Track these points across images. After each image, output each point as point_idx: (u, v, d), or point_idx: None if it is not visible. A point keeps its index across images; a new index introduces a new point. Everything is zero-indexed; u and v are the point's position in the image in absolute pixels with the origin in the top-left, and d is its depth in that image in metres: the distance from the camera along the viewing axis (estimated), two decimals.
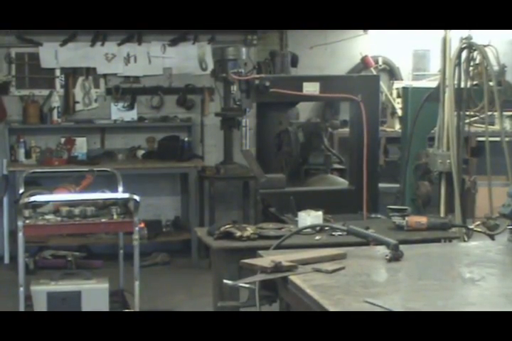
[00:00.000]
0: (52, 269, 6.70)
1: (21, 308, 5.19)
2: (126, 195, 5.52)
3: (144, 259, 6.85)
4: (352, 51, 8.42)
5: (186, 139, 7.83)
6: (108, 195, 5.70)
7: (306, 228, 4.28)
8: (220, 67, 7.44)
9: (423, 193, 5.47)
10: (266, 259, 3.24)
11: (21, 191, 5.90)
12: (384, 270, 3.24)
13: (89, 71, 7.93)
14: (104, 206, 5.56)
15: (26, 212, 5.33)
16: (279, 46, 8.15)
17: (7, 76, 7.76)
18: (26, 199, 5.34)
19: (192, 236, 7.29)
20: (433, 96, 5.41)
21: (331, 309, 2.54)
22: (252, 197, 7.60)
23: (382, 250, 3.40)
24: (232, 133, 7.39)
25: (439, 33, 5.33)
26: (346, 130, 6.94)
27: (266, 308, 3.51)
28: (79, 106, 7.95)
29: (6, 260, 7.53)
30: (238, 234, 4.29)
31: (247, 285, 3.32)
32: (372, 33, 8.36)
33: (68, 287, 5.46)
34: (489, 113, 5.28)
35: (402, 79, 8.47)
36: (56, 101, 7.72)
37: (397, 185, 6.17)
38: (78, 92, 7.93)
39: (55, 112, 7.70)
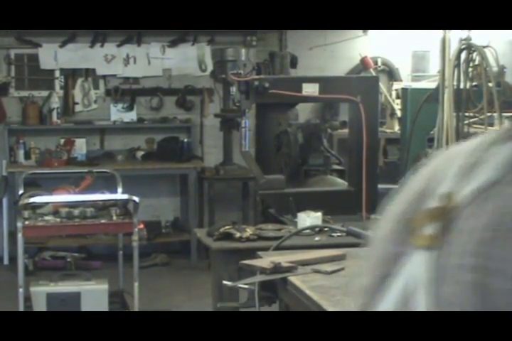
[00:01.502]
0: (51, 270, 6.71)
1: (21, 309, 5.19)
2: (126, 196, 5.53)
3: (143, 260, 6.85)
4: (351, 52, 8.42)
5: (186, 140, 7.83)
6: (107, 196, 5.70)
7: (305, 229, 4.28)
8: (219, 68, 7.45)
9: None
10: (265, 260, 3.24)
11: (21, 192, 5.90)
12: None
13: (89, 72, 7.93)
14: (103, 207, 5.57)
15: (26, 213, 5.33)
16: (278, 47, 8.16)
17: (6, 77, 7.76)
18: (26, 200, 5.34)
19: (191, 237, 7.28)
20: (432, 97, 5.41)
21: (331, 310, 2.55)
22: (252, 198, 7.60)
23: None
24: (231, 134, 7.39)
25: (439, 34, 5.33)
26: (345, 131, 6.94)
27: (265, 309, 3.51)
28: (78, 107, 7.95)
29: (6, 261, 7.53)
30: (238, 235, 4.29)
31: (246, 286, 3.32)
32: (372, 33, 8.37)
33: (68, 288, 5.46)
34: (488, 114, 5.28)
35: (401, 80, 8.47)
36: (55, 102, 7.72)
37: (397, 186, 6.17)
38: (78, 93, 7.93)
39: (54, 113, 7.70)
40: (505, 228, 0.88)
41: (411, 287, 0.96)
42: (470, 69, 5.20)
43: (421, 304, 0.97)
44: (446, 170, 0.98)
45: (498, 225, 0.89)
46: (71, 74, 7.89)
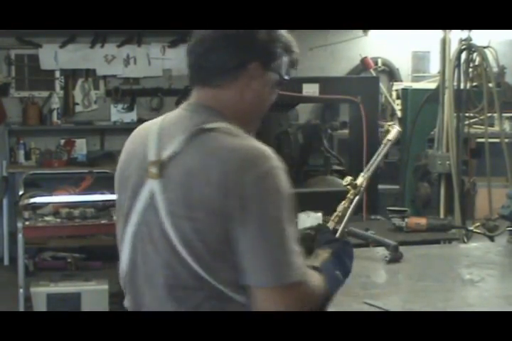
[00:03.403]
0: (51, 271, 6.70)
1: (21, 309, 5.19)
2: None
3: None
4: (351, 52, 8.42)
5: None
6: (107, 197, 5.70)
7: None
8: None
9: (422, 194, 5.46)
10: None
11: (21, 192, 5.91)
12: (383, 271, 3.24)
13: (89, 72, 7.93)
14: (103, 207, 5.57)
15: (26, 214, 5.33)
16: None
17: (7, 78, 7.76)
18: (26, 201, 5.35)
19: None
20: (432, 97, 5.41)
21: (330, 310, 2.55)
22: None
23: (381, 251, 3.40)
24: None
25: (439, 35, 5.33)
26: (346, 131, 6.94)
27: None
28: (78, 108, 7.95)
29: (6, 261, 7.53)
30: None
31: None
32: (372, 34, 8.36)
33: (68, 288, 5.46)
34: (489, 114, 5.28)
35: (401, 81, 8.46)
36: (56, 103, 7.72)
37: (397, 187, 6.17)
38: (78, 94, 7.93)
39: (54, 114, 7.70)
40: (192, 172, 1.86)
41: (153, 193, 1.91)
42: (470, 70, 5.20)
43: (159, 201, 1.89)
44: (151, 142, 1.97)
45: (187, 171, 1.86)
46: (71, 75, 7.90)
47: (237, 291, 1.86)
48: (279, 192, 1.86)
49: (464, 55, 5.18)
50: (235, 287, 1.86)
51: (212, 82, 1.97)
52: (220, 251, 1.84)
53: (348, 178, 2.31)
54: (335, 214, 2.25)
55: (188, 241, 1.84)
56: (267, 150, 1.90)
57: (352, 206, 2.23)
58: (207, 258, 1.85)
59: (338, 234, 2.20)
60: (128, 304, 2.03)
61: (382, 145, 2.34)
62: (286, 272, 1.83)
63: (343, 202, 2.27)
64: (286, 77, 2.04)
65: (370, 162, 2.33)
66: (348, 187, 2.25)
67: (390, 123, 2.46)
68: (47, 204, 5.51)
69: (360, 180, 2.32)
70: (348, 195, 2.28)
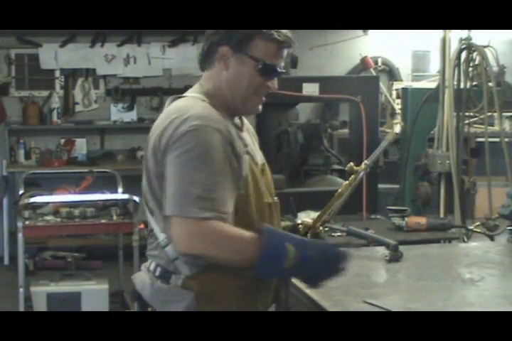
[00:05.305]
0: (51, 270, 6.70)
1: (21, 309, 5.19)
2: (126, 196, 5.53)
3: (143, 260, 6.83)
4: (351, 52, 8.42)
5: None
6: (108, 196, 5.71)
7: None
8: None
9: (422, 194, 5.46)
10: None
11: (21, 192, 5.91)
12: (383, 270, 3.24)
13: (89, 72, 7.94)
14: (103, 207, 5.57)
15: (26, 213, 5.33)
16: None
17: (7, 77, 7.76)
18: (26, 200, 5.35)
19: None
20: (432, 97, 5.40)
21: (331, 310, 2.55)
22: None
23: (381, 251, 3.40)
24: None
25: (439, 34, 5.33)
26: (346, 131, 6.94)
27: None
28: (78, 107, 7.95)
29: (6, 261, 7.53)
30: None
31: None
32: (372, 33, 8.36)
33: (68, 288, 5.47)
34: (489, 114, 5.28)
35: (401, 80, 8.47)
36: (56, 102, 7.72)
37: (397, 186, 6.17)
38: (78, 93, 7.94)
39: (54, 113, 7.70)
40: (154, 128, 2.38)
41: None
42: (470, 69, 5.19)
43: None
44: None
45: (153, 127, 2.41)
46: (71, 74, 7.90)
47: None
48: (196, 146, 2.24)
49: (463, 55, 5.18)
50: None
51: (202, 65, 2.54)
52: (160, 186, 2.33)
53: (351, 164, 2.71)
54: (338, 191, 2.67)
55: (147, 171, 2.37)
56: (205, 112, 2.29)
57: (351, 188, 2.65)
58: (155, 185, 2.34)
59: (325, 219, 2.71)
60: None
61: (384, 141, 2.68)
62: (185, 207, 2.21)
63: (345, 183, 2.68)
64: (265, 62, 2.36)
65: (372, 154, 2.66)
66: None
67: (396, 121, 2.93)
68: (47, 203, 5.51)
69: (362, 166, 2.69)
70: (350, 179, 2.69)
